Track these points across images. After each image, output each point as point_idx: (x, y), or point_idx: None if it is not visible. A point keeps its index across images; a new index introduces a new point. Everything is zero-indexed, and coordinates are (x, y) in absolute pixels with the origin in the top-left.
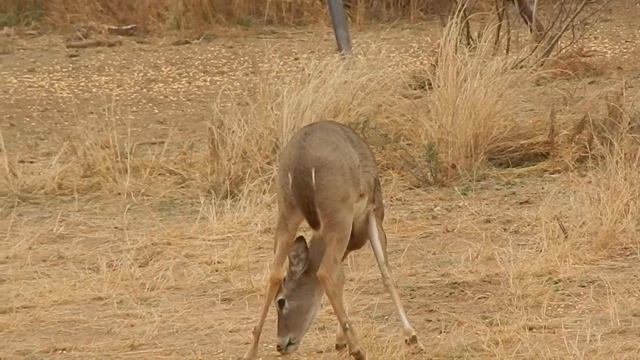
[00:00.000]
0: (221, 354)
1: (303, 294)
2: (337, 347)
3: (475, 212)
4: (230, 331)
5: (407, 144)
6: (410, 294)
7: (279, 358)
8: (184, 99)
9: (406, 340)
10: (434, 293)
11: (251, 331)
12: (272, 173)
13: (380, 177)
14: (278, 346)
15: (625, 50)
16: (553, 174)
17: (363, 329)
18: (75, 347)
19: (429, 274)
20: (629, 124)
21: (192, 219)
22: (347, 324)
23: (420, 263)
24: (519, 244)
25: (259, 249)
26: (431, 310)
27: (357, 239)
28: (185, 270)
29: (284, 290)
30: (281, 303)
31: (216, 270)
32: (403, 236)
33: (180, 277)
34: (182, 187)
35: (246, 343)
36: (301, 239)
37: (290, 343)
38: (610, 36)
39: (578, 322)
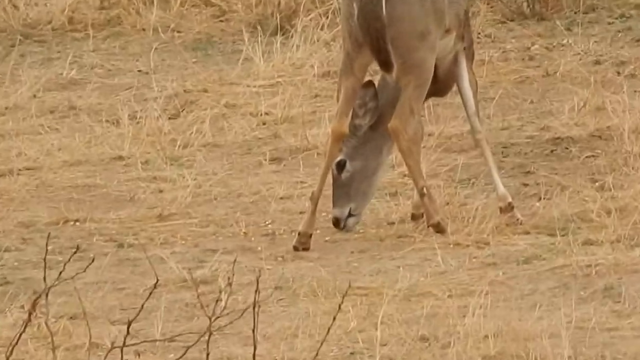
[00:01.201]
0: (270, 225)
1: (369, 153)
2: (413, 217)
3: (582, 51)
4: (281, 198)
5: None
6: (503, 152)
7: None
8: None
9: (500, 208)
10: (532, 151)
11: (307, 197)
12: (332, 3)
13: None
14: (335, 219)
15: None
16: None
17: (445, 194)
18: (90, 217)
19: (525, 128)
20: None
21: (233, 60)
22: (424, 189)
23: (515, 114)
24: (635, 91)
25: (315, 97)
26: (528, 172)
27: (442, 85)
28: (225, 123)
29: (344, 148)
30: (341, 165)
31: (263, 124)
32: (493, 81)
33: (219, 131)
34: (221, 21)
35: (300, 212)
36: (370, 84)
37: (350, 215)
38: None
39: None
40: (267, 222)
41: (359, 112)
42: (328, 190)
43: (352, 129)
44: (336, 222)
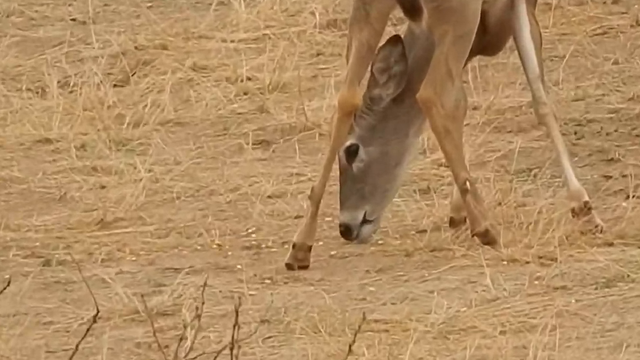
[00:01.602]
0: (253, 235)
1: (390, 135)
2: (452, 223)
3: None
4: (269, 196)
5: None
6: (576, 133)
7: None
8: None
9: (573, 210)
10: (616, 130)
11: (305, 196)
12: None
13: None
14: (345, 227)
15: None
16: None
17: (496, 191)
18: (4, 223)
19: (607, 99)
20: None
21: (203, 4)
22: (467, 183)
23: (593, 79)
24: None
25: (316, 56)
26: (611, 160)
27: (491, 38)
28: (191, 92)
29: (356, 128)
30: (352, 151)
31: (245, 94)
32: (563, 33)
33: (183, 104)
34: None
35: (296, 217)
36: (395, 40)
37: (365, 221)
38: None
39: None
40: (249, 230)
41: (379, 78)
42: (333, 187)
43: (369, 101)
44: (346, 231)
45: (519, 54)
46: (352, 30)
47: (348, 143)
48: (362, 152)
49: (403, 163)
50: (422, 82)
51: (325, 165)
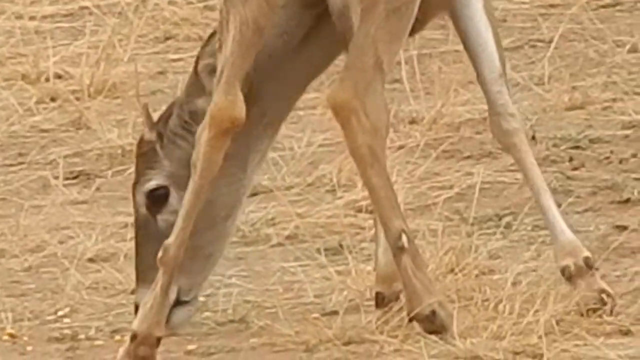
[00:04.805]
0: (66, 318)
1: (223, 170)
2: (378, 301)
3: None
4: (90, 259)
5: None
6: (572, 159)
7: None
8: None
9: (565, 272)
10: (634, 156)
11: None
12: None
13: None
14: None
15: None
16: None
17: (447, 250)
18: None
19: (618, 106)
20: None
21: None
22: (404, 237)
23: (598, 76)
24: None
25: (165, 41)
26: (626, 201)
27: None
28: None
29: (164, 162)
30: (158, 196)
31: (51, 100)
32: (551, 4)
33: None
34: None
35: (133, 292)
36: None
37: (178, 302)
38: None
39: None
40: (59, 313)
41: (206, 82)
42: None
43: (186, 118)
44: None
45: (466, 41)
46: (228, 3)
47: (153, 184)
48: (174, 198)
49: (236, 213)
50: (277, 89)
51: (185, 213)
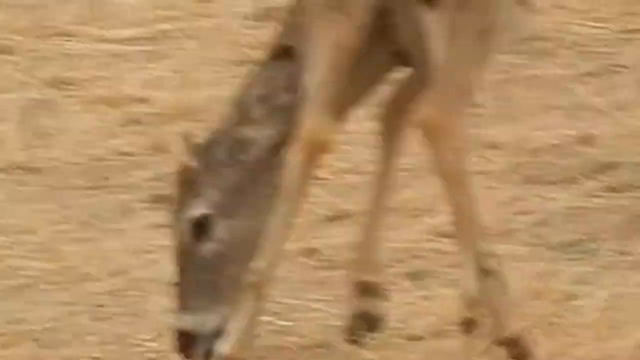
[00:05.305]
0: (152, 342)
1: (264, 203)
2: (465, 326)
3: None
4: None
5: None
6: (638, 179)
7: None
8: None
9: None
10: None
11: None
12: None
13: None
14: (185, 337)
15: None
16: None
17: (531, 276)
18: None
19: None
20: None
21: None
22: (489, 259)
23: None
24: None
25: (243, 64)
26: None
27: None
28: (50, 121)
29: (208, 190)
30: (202, 225)
31: (133, 122)
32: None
33: (39, 140)
34: None
35: None
36: (288, 52)
37: (219, 331)
38: None
39: None
40: (145, 337)
41: (253, 111)
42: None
43: (232, 146)
44: (187, 343)
45: None
46: (316, 26)
47: (197, 212)
48: (220, 228)
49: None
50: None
51: (273, 238)
